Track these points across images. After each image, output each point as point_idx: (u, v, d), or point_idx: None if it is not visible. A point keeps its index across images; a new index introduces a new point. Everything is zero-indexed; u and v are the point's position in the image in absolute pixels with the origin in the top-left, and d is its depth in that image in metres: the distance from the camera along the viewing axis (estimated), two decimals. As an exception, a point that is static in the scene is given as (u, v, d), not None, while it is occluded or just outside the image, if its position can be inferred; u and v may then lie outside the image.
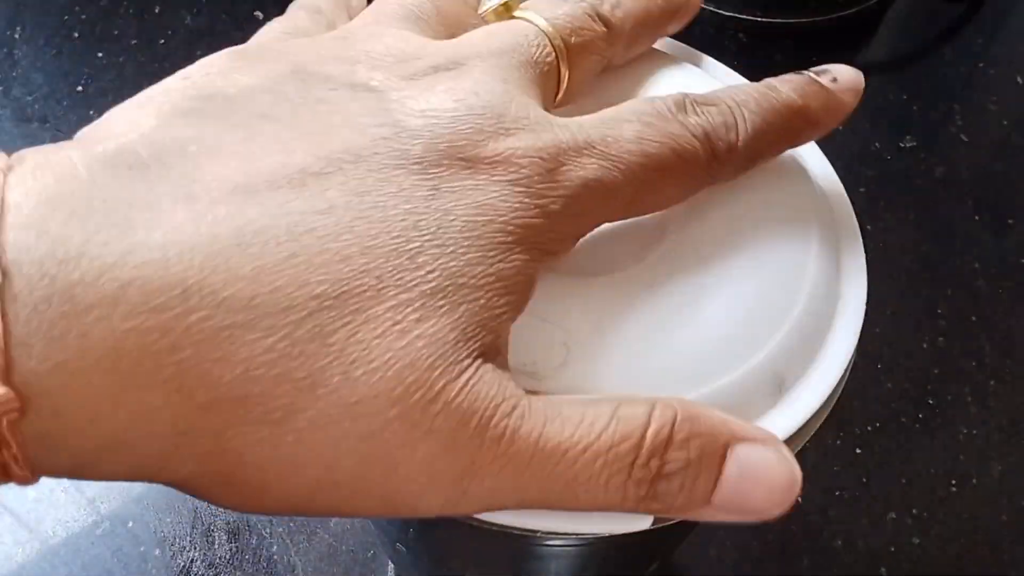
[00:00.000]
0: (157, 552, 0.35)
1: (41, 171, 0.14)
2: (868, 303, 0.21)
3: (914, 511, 0.36)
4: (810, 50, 0.50)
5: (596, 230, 0.19)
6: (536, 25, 0.19)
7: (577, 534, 0.18)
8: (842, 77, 0.20)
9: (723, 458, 0.17)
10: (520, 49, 0.19)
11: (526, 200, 0.17)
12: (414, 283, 0.15)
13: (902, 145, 0.47)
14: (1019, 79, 0.50)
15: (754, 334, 0.19)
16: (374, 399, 0.15)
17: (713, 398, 0.18)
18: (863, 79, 0.21)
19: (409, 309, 0.15)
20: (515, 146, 0.17)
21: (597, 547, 0.23)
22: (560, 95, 0.20)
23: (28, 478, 0.14)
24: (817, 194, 0.22)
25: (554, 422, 0.16)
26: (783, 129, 0.20)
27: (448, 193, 0.16)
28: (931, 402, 0.39)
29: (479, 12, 0.20)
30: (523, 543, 0.22)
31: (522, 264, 0.17)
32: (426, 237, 0.16)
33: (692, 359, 0.19)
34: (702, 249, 0.20)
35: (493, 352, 0.16)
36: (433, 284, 0.15)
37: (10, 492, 0.36)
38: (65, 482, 0.35)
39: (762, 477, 0.17)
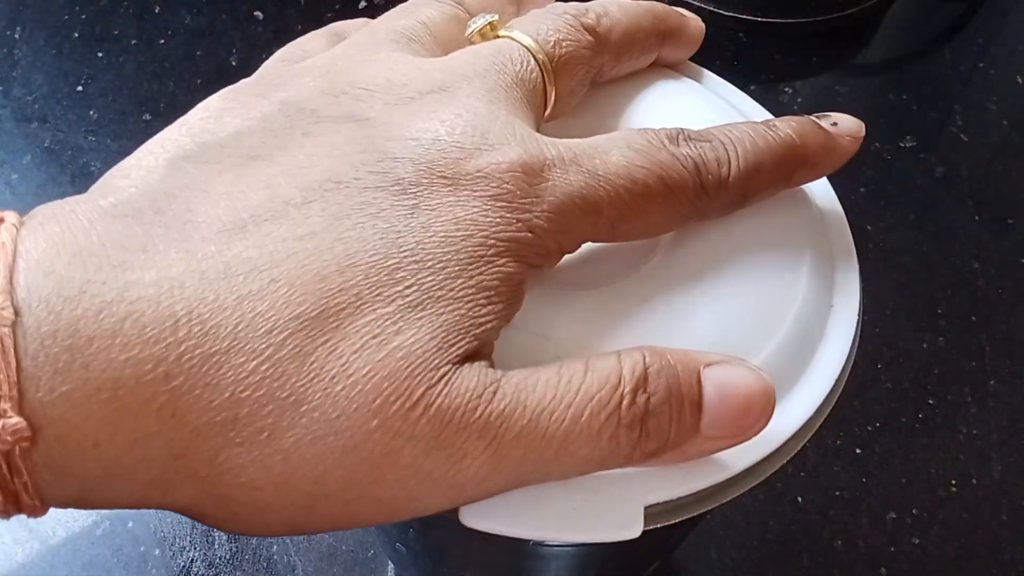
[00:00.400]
0: (157, 552, 0.35)
1: (49, 223, 0.15)
2: (868, 303, 0.21)
3: (914, 511, 0.36)
4: (810, 50, 0.50)
5: (587, 243, 0.19)
6: (520, 43, 0.20)
7: (571, 544, 0.18)
8: (842, 122, 0.21)
9: (699, 383, 0.17)
10: (505, 69, 0.19)
11: (507, 215, 0.17)
12: (392, 297, 0.16)
13: (902, 145, 0.47)
14: (1019, 79, 0.50)
15: (745, 346, 0.19)
16: (354, 412, 0.15)
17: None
18: (863, 128, 0.21)
19: (388, 322, 0.15)
20: (497, 160, 0.17)
21: (597, 547, 0.23)
22: (549, 110, 0.20)
23: (37, 508, 0.15)
24: (811, 205, 0.22)
25: (534, 391, 0.16)
26: (777, 168, 0.20)
27: (427, 211, 0.16)
28: (931, 402, 0.39)
29: (466, 34, 0.21)
30: (522, 543, 0.22)
31: (506, 274, 0.17)
32: (404, 253, 0.16)
33: None
34: (694, 262, 0.20)
35: (477, 357, 0.17)
36: (411, 298, 0.16)
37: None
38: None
39: (740, 392, 0.17)
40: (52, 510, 0.15)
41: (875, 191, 0.45)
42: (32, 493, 0.14)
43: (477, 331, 0.16)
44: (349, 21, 0.22)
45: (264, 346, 0.15)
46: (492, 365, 0.17)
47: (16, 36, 0.50)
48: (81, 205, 0.16)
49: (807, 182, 0.21)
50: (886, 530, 0.36)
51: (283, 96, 0.18)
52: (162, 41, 0.50)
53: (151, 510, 0.35)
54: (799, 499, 0.36)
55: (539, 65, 0.20)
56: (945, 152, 0.47)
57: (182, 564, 0.35)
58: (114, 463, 0.15)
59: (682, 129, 0.19)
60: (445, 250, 0.16)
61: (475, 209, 0.16)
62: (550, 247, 0.17)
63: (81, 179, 0.45)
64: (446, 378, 0.16)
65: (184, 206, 0.16)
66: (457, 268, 0.16)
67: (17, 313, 0.14)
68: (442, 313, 0.16)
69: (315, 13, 0.51)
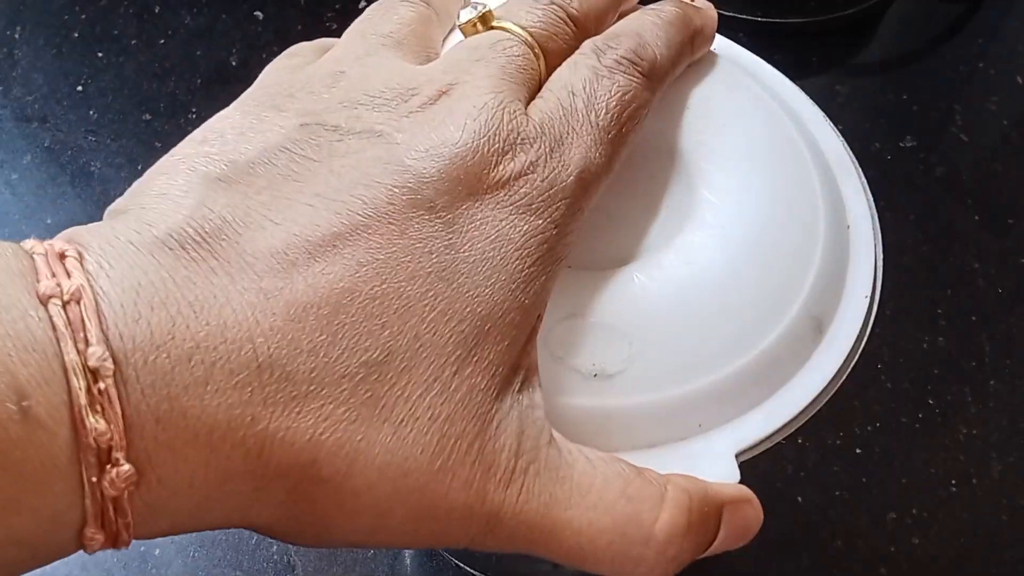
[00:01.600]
0: (157, 552, 0.35)
1: (113, 258, 0.15)
2: (878, 280, 0.22)
3: (914, 511, 0.36)
4: (810, 50, 0.50)
5: (626, 218, 0.21)
6: (514, 34, 0.20)
7: None
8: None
9: (719, 523, 0.18)
10: (504, 59, 0.19)
11: (531, 218, 0.18)
12: (448, 336, 0.17)
13: (902, 145, 0.47)
14: (1019, 79, 0.50)
15: (789, 281, 0.20)
16: (420, 455, 0.16)
17: (763, 356, 0.20)
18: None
19: (446, 363, 0.16)
20: (511, 168, 0.18)
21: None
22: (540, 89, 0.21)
23: (127, 544, 0.15)
24: (805, 134, 0.23)
25: (564, 484, 0.17)
26: (683, 40, 0.22)
27: (462, 234, 0.17)
28: (931, 402, 0.39)
29: (458, 24, 0.21)
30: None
31: (540, 287, 0.18)
32: (453, 287, 0.17)
33: (741, 322, 0.20)
34: (719, 228, 0.21)
35: (523, 384, 0.18)
36: (464, 334, 0.17)
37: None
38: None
39: (742, 533, 0.19)
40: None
41: (875, 191, 0.45)
42: (132, 532, 0.15)
43: (523, 359, 0.18)
44: (331, 40, 0.23)
45: (339, 391, 0.16)
46: (536, 382, 0.18)
47: (16, 36, 0.50)
48: (134, 236, 0.16)
49: (701, 53, 0.23)
50: (886, 530, 0.36)
51: (299, 107, 0.19)
52: (162, 41, 0.50)
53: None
54: (799, 499, 0.36)
55: (534, 56, 0.20)
56: (945, 152, 0.47)
57: (182, 564, 0.35)
58: (205, 498, 0.15)
59: (594, 43, 0.21)
60: (489, 277, 0.17)
61: (503, 222, 0.17)
62: (574, 227, 0.19)
63: (81, 179, 0.45)
64: (494, 421, 0.17)
65: (231, 231, 0.16)
66: (501, 295, 0.17)
67: (115, 363, 0.14)
68: (495, 347, 0.17)
69: (315, 13, 0.51)
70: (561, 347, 0.19)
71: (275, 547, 0.35)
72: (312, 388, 0.15)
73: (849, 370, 0.20)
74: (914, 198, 0.45)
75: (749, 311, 0.20)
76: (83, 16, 0.51)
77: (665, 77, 0.21)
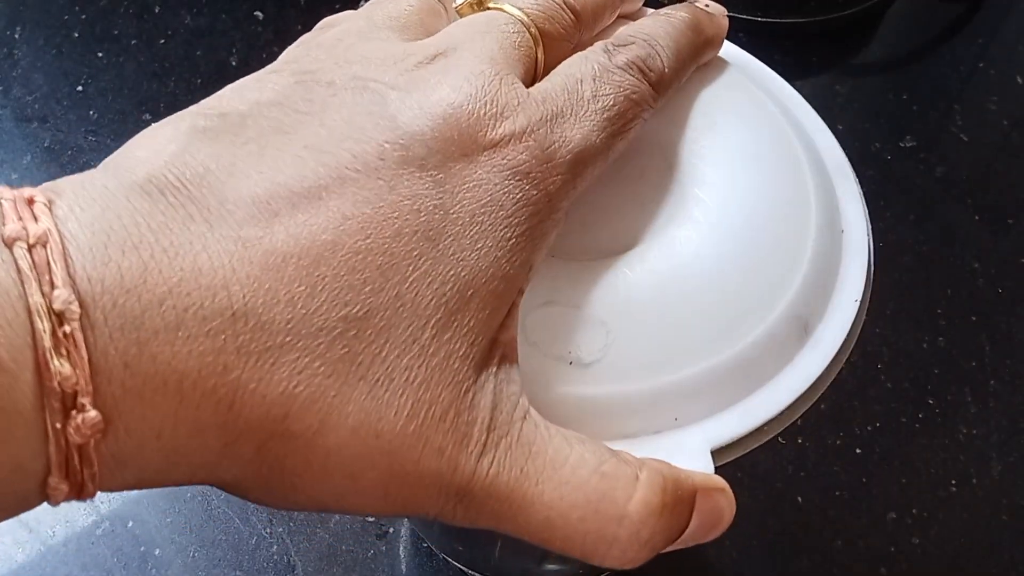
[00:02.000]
0: (157, 552, 0.35)
1: (85, 202, 0.15)
2: (868, 303, 0.21)
3: (914, 511, 0.36)
4: (810, 50, 0.50)
5: (613, 211, 0.21)
6: (511, 14, 0.20)
7: None
8: (712, 5, 0.24)
9: (692, 509, 0.18)
10: (500, 35, 0.20)
11: (526, 186, 0.17)
12: (430, 298, 0.16)
13: (902, 145, 0.47)
14: (1019, 79, 0.50)
15: (776, 280, 0.20)
16: (394, 417, 0.16)
17: (744, 354, 0.19)
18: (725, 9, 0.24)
19: (426, 325, 0.16)
20: (509, 131, 0.18)
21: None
22: (537, 79, 0.21)
23: (92, 495, 0.15)
24: (801, 136, 0.23)
25: (537, 459, 0.17)
26: (693, 49, 0.22)
27: (453, 195, 0.17)
28: (931, 402, 0.39)
29: (454, 5, 0.21)
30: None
31: (525, 259, 0.17)
32: (439, 248, 0.16)
33: (723, 318, 0.19)
34: (707, 219, 0.21)
35: (501, 359, 0.17)
36: (446, 297, 0.16)
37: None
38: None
39: (714, 522, 0.18)
40: (51, 510, 0.15)
41: (875, 191, 0.45)
42: (97, 483, 0.14)
43: (502, 334, 0.17)
44: (341, 13, 0.23)
45: (316, 344, 0.15)
46: (514, 357, 0.18)
47: (16, 36, 0.50)
48: (112, 181, 0.15)
49: (708, 59, 0.23)
50: (886, 530, 0.36)
51: (296, 67, 0.19)
52: (162, 41, 0.50)
53: (151, 510, 0.36)
54: (799, 499, 0.36)
55: (531, 37, 0.20)
56: (945, 152, 0.47)
57: (182, 564, 0.35)
58: (173, 451, 0.15)
59: (605, 44, 0.20)
60: (476, 241, 0.17)
61: (496, 186, 0.17)
62: (564, 205, 0.18)
63: (81, 179, 0.45)
64: (471, 392, 0.16)
65: (214, 179, 0.16)
66: (488, 260, 0.17)
67: (83, 306, 0.14)
68: (474, 315, 0.17)
69: (315, 13, 0.51)
70: (537, 333, 0.19)
71: (275, 547, 0.35)
72: (288, 339, 0.15)
73: (834, 374, 0.20)
74: (914, 198, 0.45)
75: (732, 307, 0.19)
76: (83, 16, 0.51)
77: (671, 86, 0.21)
